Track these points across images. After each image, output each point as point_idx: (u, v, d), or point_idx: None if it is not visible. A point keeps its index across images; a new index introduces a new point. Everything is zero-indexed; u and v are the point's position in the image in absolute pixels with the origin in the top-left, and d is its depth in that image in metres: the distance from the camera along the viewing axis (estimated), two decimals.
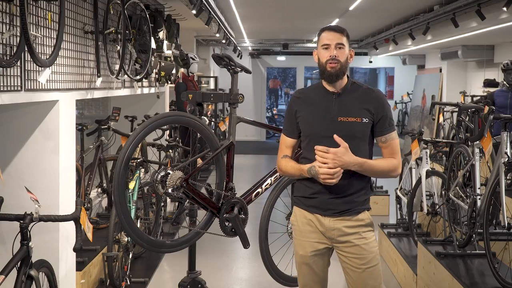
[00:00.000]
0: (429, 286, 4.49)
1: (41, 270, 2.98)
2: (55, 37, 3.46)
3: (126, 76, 5.07)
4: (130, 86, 5.72)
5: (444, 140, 6.70)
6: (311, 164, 2.78)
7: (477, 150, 4.52)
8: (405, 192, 6.13)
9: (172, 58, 7.17)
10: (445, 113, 9.90)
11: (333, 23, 11.24)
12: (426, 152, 5.50)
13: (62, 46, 3.77)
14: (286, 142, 2.96)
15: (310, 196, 2.86)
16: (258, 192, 3.53)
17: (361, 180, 2.86)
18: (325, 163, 2.70)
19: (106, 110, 7.71)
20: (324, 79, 2.85)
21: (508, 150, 3.92)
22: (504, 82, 6.63)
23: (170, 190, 3.00)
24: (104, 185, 5.68)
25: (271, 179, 3.60)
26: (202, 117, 4.65)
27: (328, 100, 2.84)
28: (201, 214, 3.44)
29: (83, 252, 4.61)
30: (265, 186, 3.58)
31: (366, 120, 2.80)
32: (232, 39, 12.72)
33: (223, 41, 11.99)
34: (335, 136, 2.69)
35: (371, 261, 2.83)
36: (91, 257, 4.67)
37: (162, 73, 6.73)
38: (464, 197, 4.63)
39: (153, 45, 5.89)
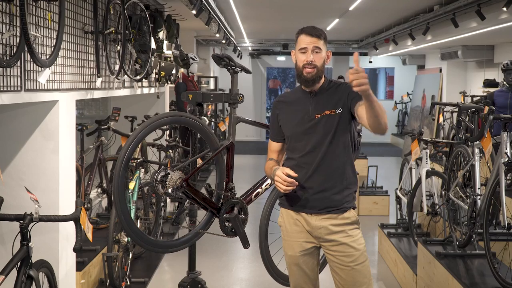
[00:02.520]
0: (429, 286, 4.49)
1: (41, 270, 2.98)
2: (55, 37, 3.46)
3: (126, 76, 5.07)
4: (130, 86, 5.72)
5: (444, 140, 6.71)
6: (276, 167, 2.87)
7: (477, 150, 4.52)
8: (405, 192, 6.14)
9: (172, 58, 7.17)
10: (445, 113, 9.90)
11: (333, 23, 11.26)
12: (426, 152, 5.50)
13: (62, 46, 3.77)
14: (272, 146, 3.07)
15: (294, 195, 2.91)
16: (258, 192, 3.53)
17: (343, 178, 2.90)
18: (358, 83, 2.44)
19: (106, 110, 7.71)
20: (301, 83, 2.94)
21: (508, 150, 3.92)
22: (504, 82, 6.63)
23: (170, 190, 2.99)
24: (104, 185, 5.67)
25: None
26: (202, 117, 4.65)
27: (306, 100, 2.92)
28: (201, 214, 3.44)
29: (83, 252, 4.61)
30: (265, 186, 3.58)
31: (340, 110, 2.85)
32: (232, 39, 12.72)
33: (223, 41, 11.99)
34: (355, 53, 2.52)
35: (358, 259, 2.87)
36: (91, 257, 4.67)
37: (162, 73, 6.73)
38: (464, 197, 4.63)
39: (153, 45, 5.89)
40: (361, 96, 2.61)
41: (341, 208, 2.89)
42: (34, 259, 2.88)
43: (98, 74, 4.53)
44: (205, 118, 9.34)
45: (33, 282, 2.83)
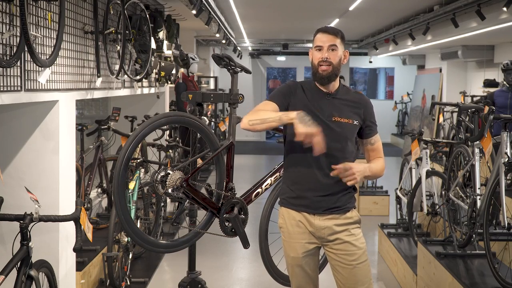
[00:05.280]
0: (429, 286, 4.49)
1: (41, 270, 2.98)
2: (55, 37, 3.46)
3: (126, 76, 5.07)
4: (130, 86, 5.72)
5: (444, 140, 6.71)
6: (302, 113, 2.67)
7: (477, 150, 4.52)
8: (405, 192, 6.14)
9: (172, 58, 7.17)
10: (445, 113, 9.91)
11: (333, 23, 11.26)
12: (426, 152, 5.50)
13: (62, 46, 3.77)
14: (267, 106, 2.84)
15: (298, 196, 2.92)
16: (258, 192, 3.52)
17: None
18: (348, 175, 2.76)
19: (106, 110, 7.71)
20: (316, 81, 2.91)
21: (508, 150, 3.92)
22: (504, 82, 6.63)
23: (170, 190, 2.99)
24: (104, 185, 5.68)
25: (271, 179, 3.59)
26: (202, 117, 4.65)
27: (322, 100, 2.90)
28: (201, 214, 3.44)
29: (83, 252, 4.61)
30: (265, 186, 3.57)
31: (356, 123, 2.90)
32: (232, 39, 12.72)
33: (223, 41, 11.99)
34: (333, 166, 2.76)
35: (360, 257, 2.89)
36: (91, 257, 4.67)
37: (162, 73, 6.73)
38: (464, 197, 4.63)
39: (153, 45, 5.89)
40: (372, 132, 2.92)
41: (344, 208, 2.90)
42: (34, 259, 2.88)
43: (98, 74, 4.53)
44: (205, 118, 9.34)
45: (33, 282, 2.83)
